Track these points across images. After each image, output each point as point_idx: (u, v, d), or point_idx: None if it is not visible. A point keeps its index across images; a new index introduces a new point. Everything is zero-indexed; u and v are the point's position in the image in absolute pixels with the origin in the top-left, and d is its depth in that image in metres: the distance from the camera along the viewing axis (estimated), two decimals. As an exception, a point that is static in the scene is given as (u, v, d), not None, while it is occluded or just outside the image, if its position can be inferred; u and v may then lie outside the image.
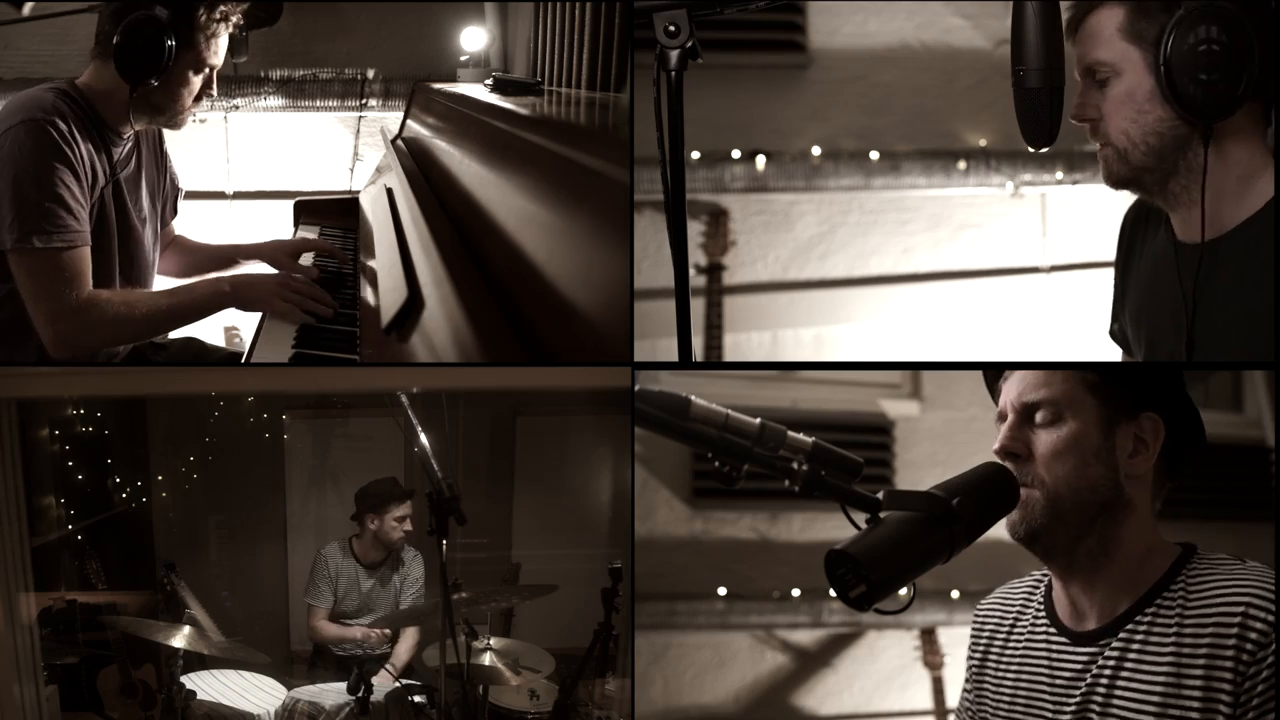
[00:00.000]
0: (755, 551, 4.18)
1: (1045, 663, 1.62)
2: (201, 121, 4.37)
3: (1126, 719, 1.48)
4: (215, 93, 2.60)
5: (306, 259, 3.02)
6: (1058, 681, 1.59)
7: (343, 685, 3.18)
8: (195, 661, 3.37)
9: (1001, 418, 1.59)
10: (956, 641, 4.14)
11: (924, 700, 4.21)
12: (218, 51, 2.55)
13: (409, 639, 3.70)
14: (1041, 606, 1.67)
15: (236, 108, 4.30)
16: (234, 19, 2.55)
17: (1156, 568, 1.53)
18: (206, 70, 2.55)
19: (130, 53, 2.42)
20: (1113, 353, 2.07)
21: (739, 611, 4.06)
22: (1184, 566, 1.51)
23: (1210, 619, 1.43)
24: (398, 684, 3.36)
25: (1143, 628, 1.50)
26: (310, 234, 3.62)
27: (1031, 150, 1.94)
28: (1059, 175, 4.07)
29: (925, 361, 4.40)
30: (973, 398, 4.20)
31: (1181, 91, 1.70)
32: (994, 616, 1.74)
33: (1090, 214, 4.19)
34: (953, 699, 4.12)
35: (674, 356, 1.77)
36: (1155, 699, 1.45)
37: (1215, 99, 1.70)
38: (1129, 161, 1.78)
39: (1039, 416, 1.55)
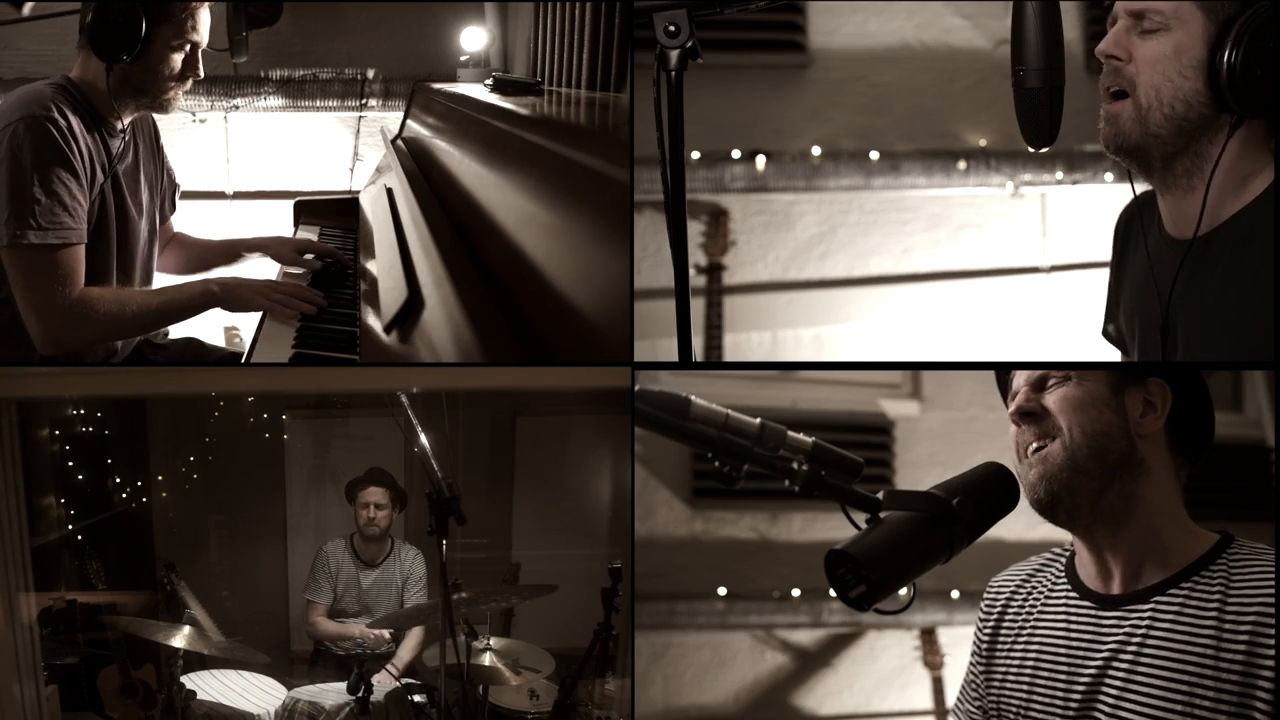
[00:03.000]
0: (755, 551, 4.18)
1: (1062, 626, 1.63)
2: (201, 121, 4.36)
3: (1154, 687, 1.48)
4: (202, 73, 2.56)
5: (307, 259, 3.03)
6: (1076, 644, 1.59)
7: (343, 685, 3.18)
8: (195, 661, 3.37)
9: (1014, 397, 1.63)
10: (956, 641, 4.14)
11: (924, 700, 4.21)
12: (198, 27, 2.52)
13: (413, 639, 3.70)
14: (1061, 573, 1.68)
15: (236, 108, 4.30)
16: None
17: (1193, 547, 1.54)
18: (188, 47, 2.52)
19: (102, 29, 2.42)
20: (1110, 353, 2.07)
21: (739, 611, 4.06)
22: (1225, 549, 1.53)
23: (1253, 604, 1.44)
24: (398, 684, 3.37)
25: (1177, 602, 1.50)
26: (310, 234, 3.62)
27: (1031, 150, 1.93)
28: (1059, 175, 4.07)
29: (925, 361, 4.40)
30: (973, 398, 4.20)
31: (1237, 79, 1.65)
32: (1007, 588, 1.76)
33: (1090, 214, 4.19)
34: (953, 699, 4.12)
35: (674, 356, 1.77)
36: (1189, 673, 1.45)
37: (1261, 97, 1.66)
38: (1146, 124, 1.71)
39: (1050, 381, 1.59)
